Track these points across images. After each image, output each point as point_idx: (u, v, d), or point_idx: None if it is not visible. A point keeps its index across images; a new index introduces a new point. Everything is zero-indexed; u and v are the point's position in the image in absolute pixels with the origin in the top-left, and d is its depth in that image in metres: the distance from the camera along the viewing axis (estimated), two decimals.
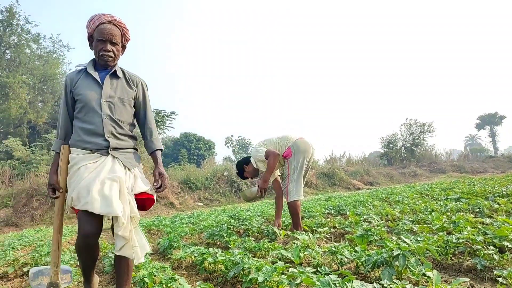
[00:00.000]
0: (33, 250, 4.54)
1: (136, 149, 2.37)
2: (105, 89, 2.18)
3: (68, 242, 6.16)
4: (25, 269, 3.82)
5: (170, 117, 15.29)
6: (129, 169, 2.18)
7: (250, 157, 4.64)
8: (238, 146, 43.59)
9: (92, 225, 1.95)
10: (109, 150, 2.13)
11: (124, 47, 2.35)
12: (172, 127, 15.45)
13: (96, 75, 2.21)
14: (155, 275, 2.45)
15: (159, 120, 15.07)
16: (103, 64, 2.22)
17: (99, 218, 1.97)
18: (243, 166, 4.72)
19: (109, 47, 2.18)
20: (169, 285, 2.24)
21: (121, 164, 2.14)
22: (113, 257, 3.45)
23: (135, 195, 2.11)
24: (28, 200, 12.77)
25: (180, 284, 2.25)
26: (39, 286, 2.09)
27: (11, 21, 22.47)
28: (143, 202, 2.25)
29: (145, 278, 2.32)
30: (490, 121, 58.60)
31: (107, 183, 1.97)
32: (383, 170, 23.36)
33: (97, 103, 2.14)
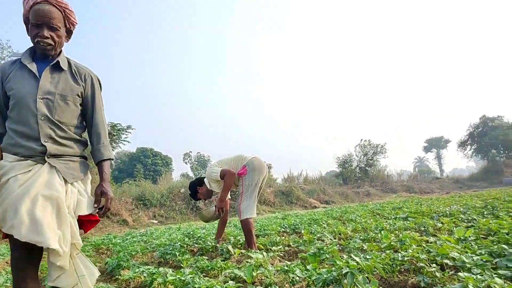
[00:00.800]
0: None
1: (85, 157, 2.00)
2: (43, 83, 1.80)
3: (6, 262, 5.70)
4: None
5: (126, 131, 14.83)
6: (71, 183, 1.80)
7: (204, 178, 4.60)
8: (196, 163, 43.04)
9: (22, 252, 1.60)
10: (45, 157, 1.75)
11: (69, 32, 1.95)
12: (128, 142, 14.99)
13: (33, 66, 1.83)
14: None
15: (115, 134, 14.55)
16: (42, 53, 1.85)
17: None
18: (197, 188, 4.66)
19: (46, 32, 1.79)
20: None
21: (60, 176, 1.75)
22: None
23: (78, 216, 1.78)
24: None
25: None
26: None
27: None
28: (85, 223, 1.90)
29: None
30: (436, 144, 62.47)
31: (40, 201, 1.59)
32: (339, 189, 24.04)
33: (32, 100, 1.76)
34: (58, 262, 1.59)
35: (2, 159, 1.76)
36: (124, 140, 14.81)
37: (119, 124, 14.62)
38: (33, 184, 1.64)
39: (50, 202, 1.62)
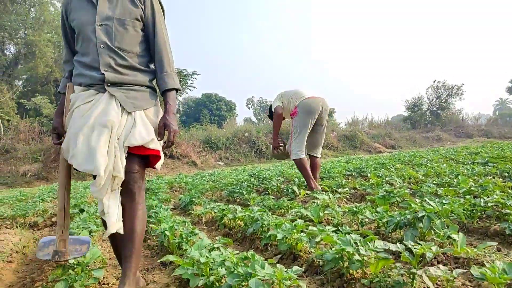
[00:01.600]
0: None
1: (153, 88, 1.86)
2: (100, 9, 1.69)
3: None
4: (53, 219, 3.99)
5: (192, 77, 15.15)
6: (128, 112, 1.66)
7: None
8: (259, 108, 43.39)
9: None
10: (105, 85, 1.66)
11: None
12: (194, 87, 15.38)
13: None
14: (175, 229, 2.49)
15: (181, 79, 14.96)
16: None
17: None
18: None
19: None
20: (189, 238, 2.27)
21: (118, 105, 1.65)
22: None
23: (132, 148, 1.61)
24: (57, 156, 13.26)
25: (200, 238, 2.28)
26: (44, 256, 1.67)
27: None
28: (146, 157, 1.73)
29: (166, 232, 2.36)
30: None
31: (97, 130, 1.54)
32: (406, 133, 22.88)
33: (91, 28, 1.67)
34: (95, 193, 1.54)
35: (74, 92, 1.74)
36: (190, 86, 15.20)
37: (185, 70, 14.95)
38: (92, 113, 1.59)
39: (105, 130, 1.54)
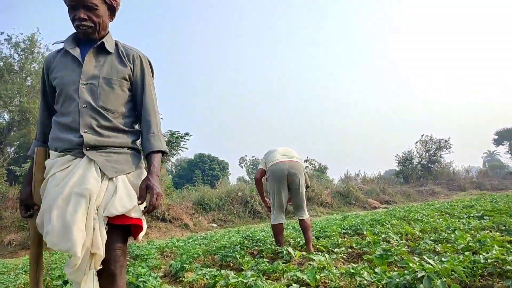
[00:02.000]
0: (44, 274, 4.48)
1: (136, 149, 1.72)
2: (86, 67, 1.60)
3: None
4: None
5: (184, 138, 15.33)
6: (109, 178, 1.50)
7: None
8: (252, 166, 43.52)
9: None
10: (83, 149, 1.52)
11: (112, 9, 1.70)
12: (187, 148, 15.46)
13: (75, 51, 1.63)
14: None
15: (174, 141, 15.12)
16: (85, 37, 1.65)
17: None
18: None
19: (82, 14, 1.58)
20: None
21: (97, 170, 1.49)
22: None
23: (112, 218, 1.43)
24: None
25: None
26: None
27: (32, 49, 23.26)
28: (132, 228, 1.55)
29: None
30: (508, 136, 57.09)
31: (73, 201, 1.37)
32: (400, 188, 22.88)
33: (74, 88, 1.57)
34: (71, 275, 1.36)
35: (49, 158, 1.60)
36: (182, 147, 15.32)
37: (177, 131, 15.17)
38: (68, 181, 1.43)
39: (82, 200, 1.37)
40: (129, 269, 3.89)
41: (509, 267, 2.11)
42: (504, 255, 2.25)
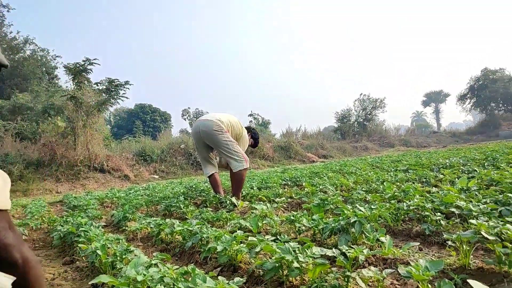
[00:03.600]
0: None
1: None
2: None
3: (13, 216, 5.79)
4: None
5: (124, 87, 14.48)
6: None
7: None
8: (195, 119, 42.82)
9: None
10: None
11: None
12: (127, 97, 14.66)
13: None
14: (108, 247, 2.34)
15: (113, 89, 14.25)
16: None
17: None
18: None
19: None
20: (124, 256, 2.16)
21: None
22: (62, 230, 3.28)
23: None
24: None
25: (135, 255, 2.17)
26: None
27: None
28: None
29: (97, 251, 2.22)
30: (435, 98, 62.07)
31: None
32: (337, 143, 24.18)
33: None
34: None
35: None
36: (122, 96, 14.52)
37: (116, 79, 14.27)
38: None
39: None
40: (67, 219, 3.78)
41: (426, 213, 2.40)
42: (423, 203, 2.54)
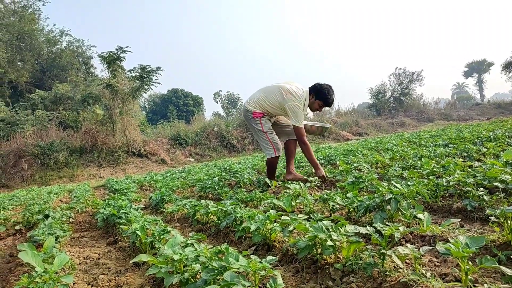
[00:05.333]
0: (23, 209, 4.51)
1: None
2: None
3: (61, 201, 6.15)
4: (16, 227, 3.82)
5: (156, 73, 14.77)
6: None
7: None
8: (227, 101, 43.12)
9: None
10: None
11: None
12: (159, 83, 14.97)
13: None
14: (147, 228, 2.44)
15: (145, 75, 14.58)
16: None
17: None
18: None
19: None
20: (161, 237, 2.23)
21: None
22: (105, 212, 3.45)
23: None
24: (17, 161, 12.63)
25: (172, 235, 2.24)
26: None
27: None
28: None
29: (137, 231, 2.31)
30: (478, 68, 58.50)
31: None
32: (372, 120, 23.53)
33: None
34: None
35: None
36: (154, 82, 14.84)
37: (148, 66, 14.57)
38: None
39: None
40: (109, 202, 3.96)
41: (468, 188, 2.29)
42: (464, 178, 2.42)
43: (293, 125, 4.07)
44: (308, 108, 4.24)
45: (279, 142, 4.28)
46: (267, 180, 4.10)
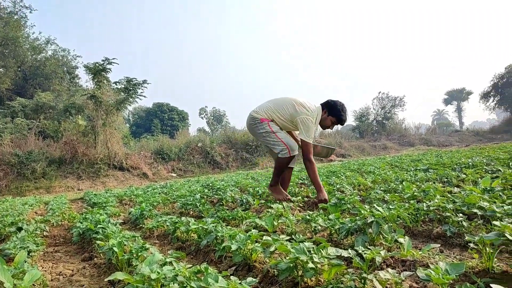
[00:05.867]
0: None
1: None
2: None
3: (36, 213, 5.95)
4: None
5: (142, 86, 14.71)
6: None
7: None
8: (212, 118, 43.12)
9: None
10: None
11: None
12: (145, 96, 14.92)
13: None
14: (125, 245, 2.36)
15: (131, 88, 14.50)
16: None
17: None
18: None
19: None
20: (139, 254, 2.17)
21: None
22: (81, 227, 3.34)
23: None
24: (6, 172, 12.20)
25: (151, 253, 2.18)
26: None
27: None
28: None
29: (114, 248, 2.24)
30: (457, 96, 60.40)
31: None
32: (355, 142, 23.88)
33: None
34: None
35: None
36: (140, 95, 14.76)
37: (134, 78, 14.51)
38: None
39: None
40: (87, 216, 3.85)
41: (448, 214, 2.32)
42: (444, 203, 2.45)
43: (301, 140, 3.82)
44: (318, 125, 4.00)
45: (293, 142, 3.91)
46: (249, 198, 4.07)
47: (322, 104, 4.00)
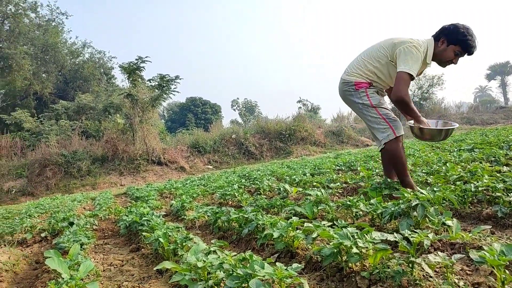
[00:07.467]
0: (49, 217, 4.62)
1: None
2: None
3: (84, 208, 6.28)
4: (42, 234, 3.90)
5: (175, 82, 15.00)
6: None
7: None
8: (244, 109, 43.30)
9: None
10: None
11: None
12: (178, 92, 15.18)
13: None
14: (169, 235, 2.45)
15: (164, 84, 14.83)
16: None
17: None
18: None
19: None
20: (184, 244, 2.23)
21: None
22: (127, 220, 3.49)
23: None
24: (42, 170, 12.98)
25: (195, 242, 2.24)
26: None
27: None
28: None
29: (160, 238, 2.32)
30: (501, 71, 56.86)
31: None
32: None
33: None
34: None
35: None
36: (173, 91, 15.06)
37: (167, 75, 14.81)
38: None
39: None
40: (131, 210, 4.01)
41: (498, 194, 2.21)
42: (494, 183, 2.33)
43: (398, 72, 2.86)
44: (430, 62, 3.01)
45: (397, 118, 3.16)
46: (286, 186, 4.06)
47: (434, 36, 3.04)
